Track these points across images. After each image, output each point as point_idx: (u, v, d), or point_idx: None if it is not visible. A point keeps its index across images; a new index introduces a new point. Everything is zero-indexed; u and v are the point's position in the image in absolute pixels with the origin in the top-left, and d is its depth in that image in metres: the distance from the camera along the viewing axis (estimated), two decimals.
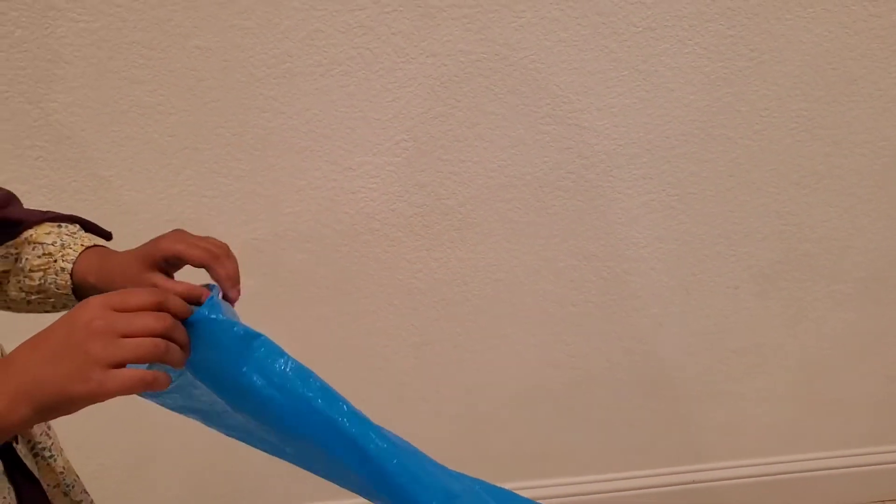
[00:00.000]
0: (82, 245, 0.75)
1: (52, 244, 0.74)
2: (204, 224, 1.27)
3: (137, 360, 0.54)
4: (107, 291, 0.60)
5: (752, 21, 1.24)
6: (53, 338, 0.55)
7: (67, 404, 0.53)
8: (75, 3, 1.11)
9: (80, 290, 0.74)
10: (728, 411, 1.65)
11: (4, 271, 0.76)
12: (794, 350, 1.59)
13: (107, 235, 0.81)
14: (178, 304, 0.59)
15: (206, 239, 0.72)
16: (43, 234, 0.75)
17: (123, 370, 0.54)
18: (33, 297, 0.75)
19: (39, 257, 0.74)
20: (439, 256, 1.36)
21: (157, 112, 1.18)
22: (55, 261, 0.74)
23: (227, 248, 0.72)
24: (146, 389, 0.55)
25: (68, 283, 0.73)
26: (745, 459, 1.73)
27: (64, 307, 0.76)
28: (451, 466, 0.71)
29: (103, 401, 0.53)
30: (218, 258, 0.69)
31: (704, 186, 1.38)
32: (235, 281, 0.70)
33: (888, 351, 1.62)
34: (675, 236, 1.42)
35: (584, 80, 1.25)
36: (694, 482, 1.71)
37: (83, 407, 0.54)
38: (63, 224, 0.77)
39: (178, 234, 0.71)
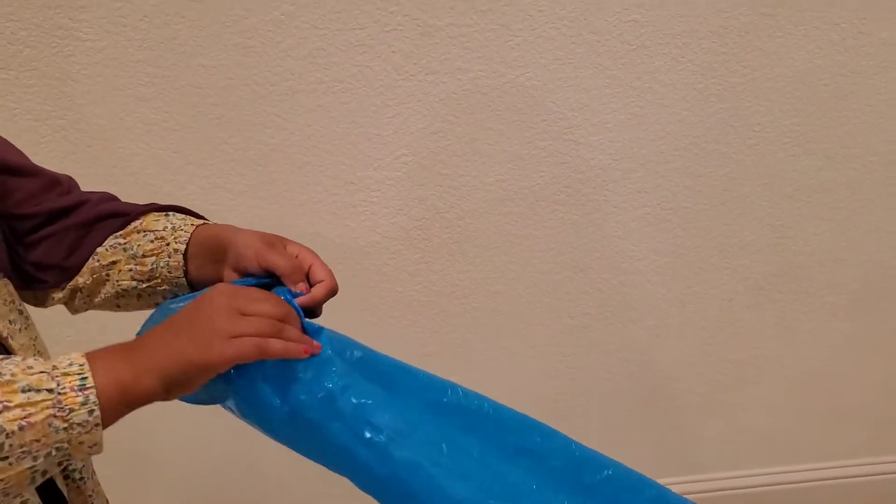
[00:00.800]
0: (192, 225, 0.75)
1: (164, 229, 0.75)
2: None
3: (254, 335, 0.60)
4: (241, 256, 0.68)
5: (744, 38, 1.27)
6: (182, 316, 0.61)
7: (190, 373, 0.58)
8: (82, 23, 1.14)
9: (196, 270, 0.74)
10: (725, 422, 1.67)
11: (113, 262, 0.75)
12: (790, 361, 1.61)
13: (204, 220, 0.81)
14: (294, 328, 0.64)
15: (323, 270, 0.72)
16: (152, 221, 0.76)
17: (241, 339, 0.59)
18: (144, 286, 0.75)
19: (151, 242, 0.74)
20: (439, 269, 1.39)
21: (162, 129, 1.21)
22: (167, 244, 0.74)
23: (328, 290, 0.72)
24: (259, 356, 0.59)
25: (181, 263, 0.73)
26: (742, 470, 1.75)
27: (174, 295, 0.76)
28: None
29: (222, 369, 0.59)
30: (314, 299, 0.70)
31: (699, 200, 1.40)
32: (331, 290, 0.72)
33: (882, 361, 1.64)
34: (671, 249, 1.45)
35: (579, 97, 1.28)
36: (691, 493, 1.73)
37: (203, 378, 0.59)
38: (170, 213, 0.78)
39: (308, 251, 0.73)
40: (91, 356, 0.56)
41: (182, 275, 0.74)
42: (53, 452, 0.53)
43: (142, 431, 1.46)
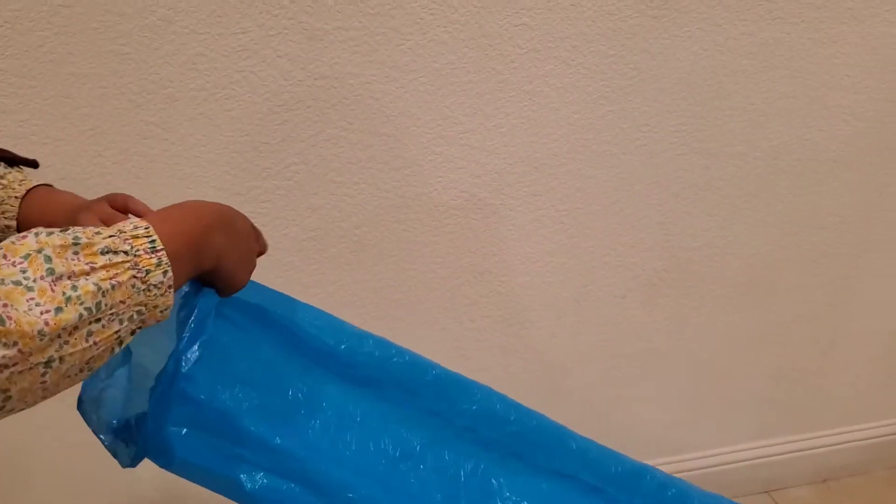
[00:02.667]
0: (16, 198, 0.73)
1: (12, 177, 0.73)
2: None
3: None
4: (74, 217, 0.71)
5: (632, 41, 1.29)
6: (240, 223, 0.71)
7: (229, 282, 0.69)
8: None
9: (27, 225, 0.73)
10: (623, 415, 1.70)
11: None
12: (682, 353, 1.65)
13: (33, 164, 0.79)
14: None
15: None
16: None
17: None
18: None
19: None
20: (336, 279, 1.35)
21: (29, 142, 1.12)
22: (4, 187, 0.72)
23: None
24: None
25: (13, 214, 0.73)
26: (643, 461, 1.78)
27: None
28: None
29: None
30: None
31: (591, 201, 1.42)
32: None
33: (769, 350, 1.70)
34: (565, 250, 1.45)
35: (473, 102, 1.27)
36: None
37: (231, 288, 0.70)
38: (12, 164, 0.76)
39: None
40: (154, 218, 0.59)
41: (14, 224, 0.73)
42: (135, 315, 0.54)
43: (17, 445, 1.36)
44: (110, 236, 0.54)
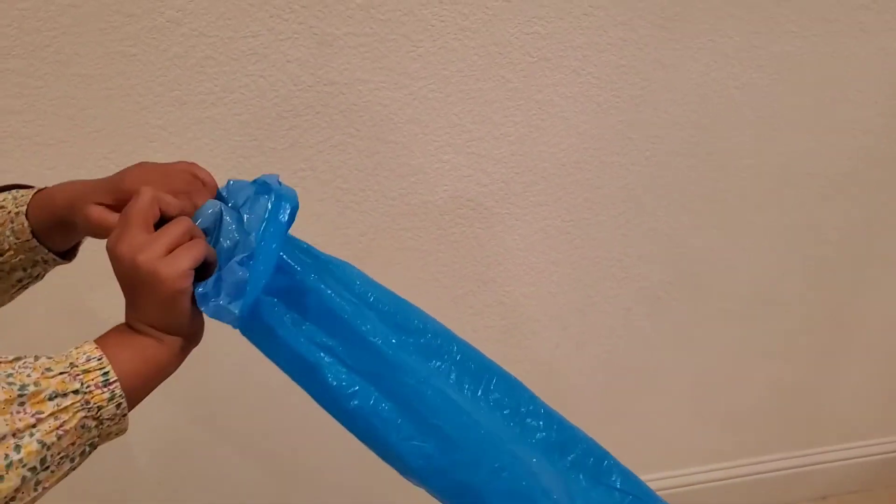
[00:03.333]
0: (31, 187, 0.73)
1: (4, 200, 0.71)
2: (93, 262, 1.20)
3: (177, 242, 0.60)
4: (72, 215, 0.66)
5: (643, 51, 1.28)
6: (123, 276, 0.60)
7: (166, 307, 0.59)
8: None
9: (43, 229, 0.70)
10: (624, 428, 1.69)
11: None
12: (685, 366, 1.64)
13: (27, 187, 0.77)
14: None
15: (171, 175, 0.70)
16: None
17: (172, 253, 0.59)
18: None
19: None
20: None
21: (34, 143, 1.11)
22: (8, 212, 0.70)
23: (198, 180, 0.72)
24: (198, 255, 0.60)
25: (25, 225, 0.69)
26: (642, 475, 1.77)
27: (34, 265, 0.72)
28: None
29: (182, 283, 0.59)
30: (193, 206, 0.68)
31: (598, 212, 1.41)
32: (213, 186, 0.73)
33: (771, 364, 1.69)
34: (571, 261, 1.44)
35: (481, 110, 1.25)
36: None
37: (178, 305, 0.60)
38: (13, 190, 0.74)
39: (143, 171, 0.69)
40: (103, 343, 0.57)
41: (30, 236, 0.70)
42: (87, 449, 0.54)
43: None
44: (61, 374, 0.53)
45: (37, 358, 0.54)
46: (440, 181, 1.30)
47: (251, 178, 1.18)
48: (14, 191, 0.73)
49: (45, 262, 0.73)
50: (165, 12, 1.08)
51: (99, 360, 0.55)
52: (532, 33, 1.22)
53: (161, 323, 0.60)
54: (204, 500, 1.46)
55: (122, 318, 0.62)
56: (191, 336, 0.63)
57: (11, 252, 0.70)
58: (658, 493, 1.79)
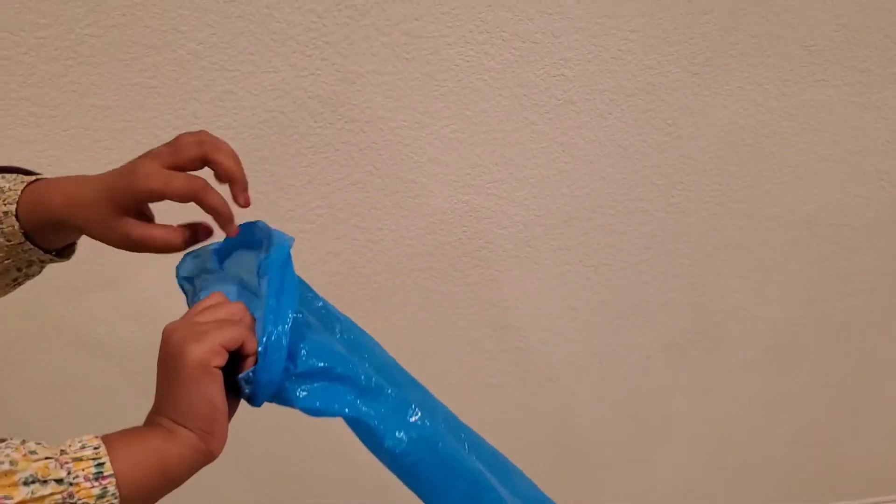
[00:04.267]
0: (22, 181, 0.64)
1: None
2: (108, 295, 1.17)
3: (224, 338, 0.56)
4: (74, 219, 0.60)
5: (671, 96, 1.25)
6: (161, 369, 0.55)
7: (192, 397, 0.53)
8: None
9: (38, 229, 0.63)
10: (640, 478, 1.64)
11: None
12: (704, 417, 1.60)
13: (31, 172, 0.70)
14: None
15: (180, 152, 0.64)
16: None
17: (204, 333, 0.55)
18: None
19: None
20: None
21: (48, 174, 1.08)
22: None
23: (217, 153, 0.66)
24: (228, 339, 0.55)
25: (15, 226, 0.62)
26: None
27: (29, 265, 0.65)
28: None
29: (206, 367, 0.54)
30: (203, 189, 0.62)
31: (620, 258, 1.37)
32: (228, 216, 0.65)
33: (792, 416, 1.65)
34: (591, 307, 1.41)
35: (504, 151, 1.23)
36: None
37: (205, 391, 0.54)
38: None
39: (151, 161, 0.62)
40: (108, 437, 0.49)
41: (22, 239, 0.63)
42: None
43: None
44: (46, 458, 0.45)
45: (24, 442, 0.46)
46: (459, 222, 1.26)
47: (266, 217, 1.15)
48: (2, 181, 0.66)
49: (42, 261, 0.66)
50: (186, 45, 1.06)
51: (95, 449, 0.47)
52: (558, 75, 1.19)
53: (177, 409, 0.53)
54: None
55: None
56: (206, 436, 0.54)
57: (2, 254, 0.64)
58: None
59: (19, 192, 0.63)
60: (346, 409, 0.62)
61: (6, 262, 0.64)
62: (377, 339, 1.32)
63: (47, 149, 1.07)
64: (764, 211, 1.39)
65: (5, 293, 0.68)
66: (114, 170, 0.63)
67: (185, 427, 0.53)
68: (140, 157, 0.63)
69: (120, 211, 0.61)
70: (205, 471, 0.56)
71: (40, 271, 0.69)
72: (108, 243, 0.63)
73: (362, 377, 0.64)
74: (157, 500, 0.51)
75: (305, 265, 1.23)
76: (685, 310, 1.45)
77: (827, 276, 1.50)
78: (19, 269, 0.66)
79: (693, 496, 1.70)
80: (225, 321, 0.56)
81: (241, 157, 1.14)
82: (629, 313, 1.43)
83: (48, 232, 0.64)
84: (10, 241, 0.63)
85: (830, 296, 1.52)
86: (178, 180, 0.61)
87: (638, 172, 1.30)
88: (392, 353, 1.34)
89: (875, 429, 1.74)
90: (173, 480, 0.52)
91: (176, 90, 1.08)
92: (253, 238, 0.68)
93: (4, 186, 0.64)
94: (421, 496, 0.67)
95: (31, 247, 0.64)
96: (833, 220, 1.43)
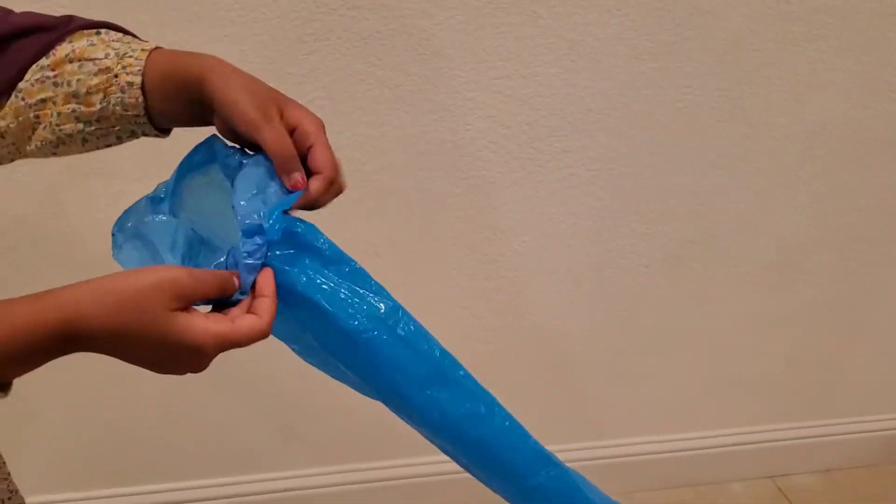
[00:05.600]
0: (143, 51, 0.60)
1: (105, 56, 0.59)
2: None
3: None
4: (222, 85, 0.58)
5: None
6: (148, 353, 0.52)
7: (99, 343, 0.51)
8: None
9: (158, 95, 0.60)
10: (635, 389, 1.66)
11: (43, 100, 0.60)
12: (700, 329, 1.61)
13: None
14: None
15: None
16: (86, 46, 0.60)
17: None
18: (93, 128, 0.60)
19: (94, 75, 0.59)
20: (354, 226, 1.30)
21: None
22: (116, 76, 0.58)
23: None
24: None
25: (139, 99, 0.59)
26: (645, 437, 1.75)
27: (132, 135, 0.62)
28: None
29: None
30: (308, 200, 0.61)
31: (623, 163, 1.36)
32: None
33: (788, 333, 1.66)
34: (592, 213, 1.40)
35: (510, 46, 1.20)
36: (595, 458, 1.71)
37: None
38: (101, 30, 0.62)
39: (282, 129, 0.61)
40: None
41: (142, 111, 0.60)
42: None
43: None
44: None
45: None
46: (462, 119, 1.25)
47: None
48: (105, 36, 0.62)
49: (145, 133, 0.63)
50: None
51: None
52: None
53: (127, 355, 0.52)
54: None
55: None
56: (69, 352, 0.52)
57: (110, 122, 0.61)
58: (664, 455, 1.78)
59: (143, 61, 0.59)
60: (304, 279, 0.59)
61: (112, 129, 0.61)
62: (376, 238, 1.32)
63: None
64: (769, 120, 1.37)
65: (87, 151, 0.64)
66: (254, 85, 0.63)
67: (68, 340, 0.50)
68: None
69: (278, 116, 0.61)
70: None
71: (130, 141, 0.65)
72: (237, 122, 0.59)
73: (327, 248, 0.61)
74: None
75: None
76: (686, 219, 1.44)
77: (831, 191, 1.48)
78: (118, 138, 0.63)
79: (682, 410, 1.72)
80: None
81: (241, 41, 1.12)
82: (629, 220, 1.42)
83: (172, 108, 0.61)
84: (127, 111, 0.60)
85: (834, 211, 1.51)
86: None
87: (645, 74, 1.28)
88: (390, 255, 1.35)
89: (873, 349, 1.75)
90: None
91: None
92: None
93: (121, 51, 0.60)
94: (379, 377, 0.65)
95: (146, 122, 0.61)
96: (839, 132, 1.42)
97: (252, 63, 1.13)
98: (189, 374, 0.54)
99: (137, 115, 0.60)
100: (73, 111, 0.59)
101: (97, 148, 0.63)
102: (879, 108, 1.41)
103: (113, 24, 0.64)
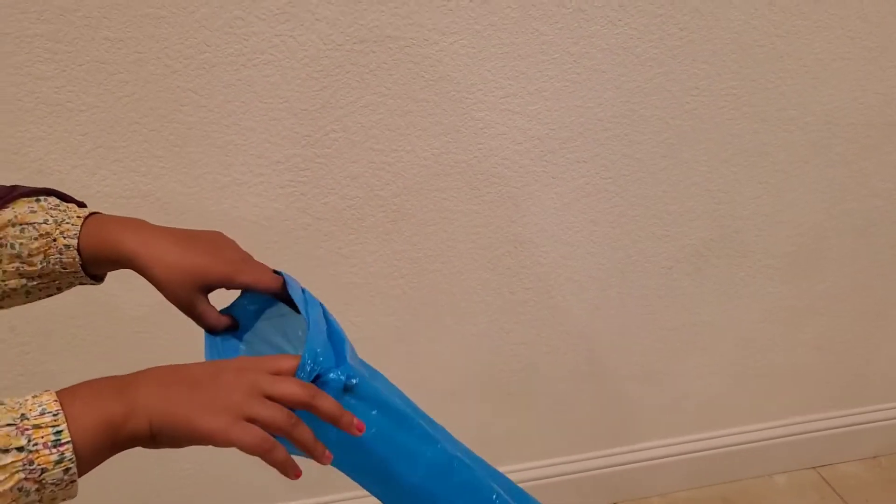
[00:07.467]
0: (78, 217, 0.68)
1: (45, 223, 0.67)
2: None
3: (269, 424, 0.54)
4: (147, 269, 0.65)
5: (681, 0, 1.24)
6: (198, 369, 0.55)
7: (184, 434, 0.52)
8: None
9: (94, 263, 0.68)
10: (665, 389, 1.66)
11: None
12: (727, 326, 1.61)
13: (82, 206, 0.73)
14: (327, 407, 0.57)
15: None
16: (26, 213, 0.67)
17: (251, 426, 0.53)
18: (34, 283, 0.68)
19: (35, 240, 0.66)
20: (374, 250, 1.32)
21: (66, 109, 1.10)
22: (54, 240, 0.66)
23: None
24: (263, 455, 0.53)
25: (76, 259, 0.67)
26: (683, 436, 1.75)
27: (70, 286, 0.70)
28: None
29: (218, 445, 0.53)
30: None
31: (637, 168, 1.37)
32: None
33: (816, 322, 1.65)
34: (610, 219, 1.41)
35: (515, 64, 1.23)
36: (633, 462, 1.72)
37: (195, 444, 0.53)
38: (41, 198, 0.69)
39: (259, 268, 0.71)
40: (66, 396, 0.49)
41: (79, 268, 0.68)
42: None
43: None
44: (7, 426, 0.46)
45: None
46: (473, 140, 1.27)
47: (283, 143, 1.17)
48: (44, 203, 0.68)
49: (82, 283, 0.71)
50: None
51: (55, 416, 0.48)
52: None
53: (164, 414, 0.52)
54: None
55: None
56: (160, 446, 0.54)
57: (51, 277, 0.68)
58: (701, 453, 1.78)
59: (79, 228, 0.67)
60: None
61: (52, 283, 0.69)
62: (399, 261, 1.35)
63: (65, 84, 1.09)
64: (780, 113, 1.38)
65: (30, 302, 0.72)
66: (194, 239, 0.69)
67: (153, 437, 0.53)
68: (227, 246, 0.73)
69: (198, 290, 0.67)
70: None
71: (69, 289, 0.73)
72: (170, 300, 0.68)
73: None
74: (107, 457, 0.52)
75: (324, 190, 1.25)
76: (704, 218, 1.45)
77: (847, 179, 1.49)
78: (59, 289, 0.71)
79: (718, 407, 1.72)
80: (280, 423, 0.55)
81: (253, 85, 1.16)
82: (649, 224, 1.43)
83: (105, 267, 0.69)
84: (66, 269, 0.68)
85: (851, 198, 1.51)
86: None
87: (651, 80, 1.29)
88: (416, 276, 1.38)
89: None
90: (118, 448, 0.53)
91: (185, 19, 1.09)
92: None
93: (58, 218, 0.68)
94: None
95: (83, 275, 0.69)
96: (851, 120, 1.42)
97: (265, 103, 1.16)
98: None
99: (76, 272, 0.68)
100: (17, 269, 0.67)
101: (39, 298, 0.71)
102: (891, 93, 1.41)
103: (54, 191, 0.71)
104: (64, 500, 0.49)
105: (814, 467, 1.85)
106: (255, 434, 0.53)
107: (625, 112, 1.31)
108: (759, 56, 1.31)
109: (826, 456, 1.84)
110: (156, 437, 0.52)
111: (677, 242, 1.46)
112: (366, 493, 0.69)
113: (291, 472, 0.55)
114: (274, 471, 0.55)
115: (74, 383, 0.52)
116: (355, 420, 0.58)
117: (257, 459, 0.54)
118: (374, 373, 0.71)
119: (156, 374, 0.54)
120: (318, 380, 0.59)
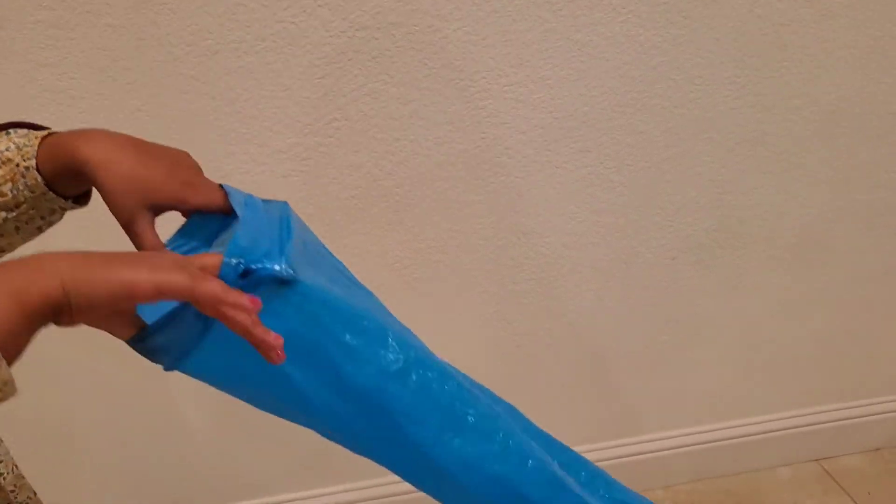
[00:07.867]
0: (36, 138, 0.66)
1: (7, 150, 0.65)
2: None
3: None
4: (98, 177, 0.61)
5: None
6: (121, 253, 0.51)
7: (101, 284, 0.48)
8: None
9: (57, 179, 0.65)
10: (669, 381, 1.66)
11: None
12: (731, 316, 1.61)
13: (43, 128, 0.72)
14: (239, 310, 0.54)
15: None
16: None
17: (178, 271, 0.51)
18: (14, 214, 0.67)
19: (0, 167, 0.65)
20: (378, 240, 1.32)
21: (68, 97, 1.10)
22: (17, 164, 0.65)
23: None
24: (193, 290, 0.50)
25: (38, 178, 0.64)
26: (686, 429, 1.75)
27: (52, 212, 0.68)
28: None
29: (144, 296, 0.49)
30: None
31: (641, 157, 1.37)
32: None
33: (820, 313, 1.65)
34: (614, 209, 1.41)
35: (519, 52, 1.22)
36: (636, 454, 1.72)
37: (116, 302, 0.48)
38: (10, 130, 0.68)
39: (213, 188, 0.69)
40: None
41: (45, 189, 0.65)
42: None
43: (62, 412, 1.36)
44: None
45: None
46: (477, 129, 1.27)
47: (286, 132, 1.16)
48: (13, 134, 0.68)
49: (63, 208, 0.69)
50: None
51: None
52: None
53: (79, 270, 0.49)
54: None
55: None
56: (78, 316, 0.51)
57: (27, 205, 0.67)
58: (704, 445, 1.78)
59: (36, 147, 0.66)
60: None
61: (31, 211, 0.68)
62: (403, 251, 1.34)
63: (67, 71, 1.08)
64: (784, 102, 1.37)
65: (31, 239, 0.71)
66: (154, 154, 0.67)
67: (67, 295, 0.49)
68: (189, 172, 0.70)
69: (150, 209, 0.64)
70: None
71: (61, 218, 0.72)
72: (112, 212, 0.64)
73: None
74: (29, 333, 0.49)
75: (326, 179, 1.25)
76: (708, 208, 1.45)
77: (852, 168, 1.48)
78: (42, 218, 0.69)
79: (722, 399, 1.71)
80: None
81: (255, 72, 1.15)
82: (653, 214, 1.43)
83: (68, 180, 0.67)
84: (34, 192, 0.66)
85: (856, 188, 1.51)
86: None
87: (655, 69, 1.29)
88: (419, 266, 1.37)
89: None
90: (36, 319, 0.49)
91: (187, 5, 1.08)
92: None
93: (20, 143, 0.66)
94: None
95: (54, 196, 0.67)
96: (856, 109, 1.41)
97: (267, 91, 1.16)
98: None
99: (44, 194, 0.66)
100: None
101: (31, 234, 0.69)
102: (895, 81, 1.40)
103: (25, 123, 0.70)
104: (3, 399, 0.46)
105: (817, 460, 1.84)
106: (185, 272, 0.50)
107: (628, 101, 1.30)
108: (763, 44, 1.31)
109: (829, 448, 1.83)
110: (70, 298, 0.48)
111: (681, 233, 1.46)
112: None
113: (242, 302, 0.52)
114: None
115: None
116: (271, 335, 0.54)
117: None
118: (352, 285, 0.69)
119: (66, 254, 0.50)
120: (250, 275, 0.57)
